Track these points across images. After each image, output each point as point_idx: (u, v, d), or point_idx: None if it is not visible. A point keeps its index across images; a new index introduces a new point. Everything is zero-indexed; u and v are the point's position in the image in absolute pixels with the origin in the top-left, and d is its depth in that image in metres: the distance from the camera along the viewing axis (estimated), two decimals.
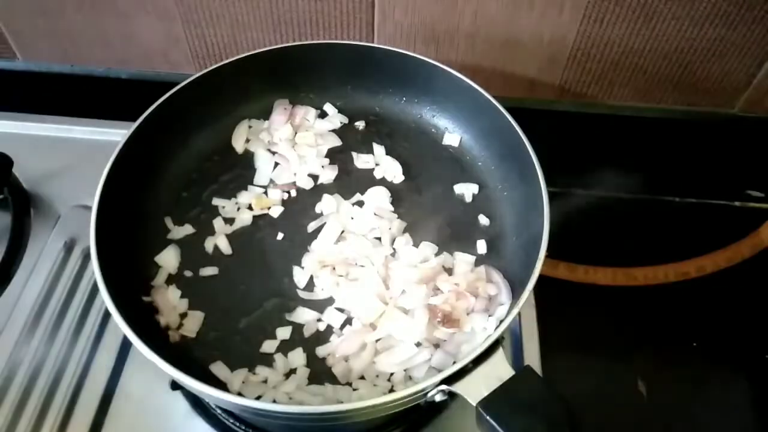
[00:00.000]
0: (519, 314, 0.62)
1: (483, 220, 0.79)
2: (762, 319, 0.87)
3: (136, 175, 0.75)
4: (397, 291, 0.71)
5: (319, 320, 0.71)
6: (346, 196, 0.81)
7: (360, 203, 0.80)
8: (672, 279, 0.89)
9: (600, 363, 0.84)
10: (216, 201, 0.80)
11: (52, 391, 0.74)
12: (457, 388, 0.57)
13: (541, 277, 0.63)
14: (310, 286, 0.74)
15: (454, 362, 0.58)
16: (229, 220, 0.78)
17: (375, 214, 0.78)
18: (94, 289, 0.81)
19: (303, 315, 0.71)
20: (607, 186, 1.00)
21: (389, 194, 0.80)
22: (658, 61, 0.91)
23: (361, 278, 0.72)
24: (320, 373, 0.67)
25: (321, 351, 0.68)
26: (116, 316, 0.59)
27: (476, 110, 0.81)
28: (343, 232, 0.76)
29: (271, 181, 0.83)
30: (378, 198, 0.80)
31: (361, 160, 0.84)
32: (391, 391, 0.65)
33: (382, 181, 0.83)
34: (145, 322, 0.68)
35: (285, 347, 0.69)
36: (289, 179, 0.82)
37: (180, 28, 0.95)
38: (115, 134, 0.95)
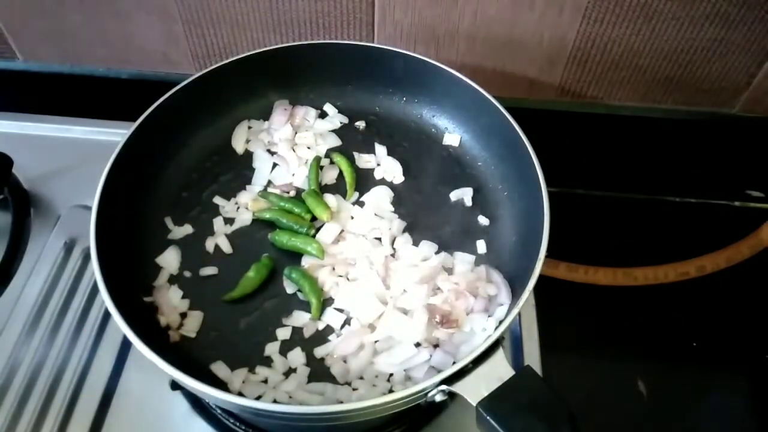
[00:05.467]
0: (519, 314, 0.62)
1: (483, 220, 0.79)
2: (762, 319, 0.87)
3: (136, 175, 0.75)
4: (397, 291, 0.71)
5: (318, 320, 0.71)
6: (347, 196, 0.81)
7: (360, 203, 0.80)
8: (672, 279, 0.89)
9: (600, 363, 0.84)
10: (216, 201, 0.80)
11: (53, 391, 0.74)
12: (457, 388, 0.58)
13: (541, 277, 0.63)
14: None
15: (454, 362, 0.58)
16: (229, 220, 0.78)
17: (375, 214, 0.78)
18: (94, 289, 0.81)
19: (300, 318, 0.71)
20: (607, 186, 1.00)
21: (391, 194, 0.81)
22: (657, 61, 0.91)
23: (361, 278, 0.72)
24: (320, 372, 0.67)
25: (319, 351, 0.68)
26: (116, 316, 0.60)
27: (476, 110, 0.81)
28: (342, 231, 0.76)
29: (270, 181, 0.83)
30: (378, 198, 0.80)
31: (362, 160, 0.84)
32: (391, 391, 0.65)
33: (382, 182, 0.83)
34: (145, 322, 0.68)
35: (285, 347, 0.69)
36: (287, 180, 0.82)
37: (180, 27, 0.95)
38: (115, 134, 0.95)
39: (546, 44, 0.90)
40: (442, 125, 0.87)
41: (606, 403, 0.80)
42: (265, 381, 0.66)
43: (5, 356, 0.75)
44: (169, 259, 0.74)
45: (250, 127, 0.87)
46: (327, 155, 0.84)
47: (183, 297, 0.71)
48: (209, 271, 0.74)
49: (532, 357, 0.77)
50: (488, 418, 0.55)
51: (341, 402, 0.63)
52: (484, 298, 0.70)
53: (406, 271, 0.72)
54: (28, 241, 0.86)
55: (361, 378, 0.66)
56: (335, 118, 0.88)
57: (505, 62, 0.94)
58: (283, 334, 0.70)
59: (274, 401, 0.64)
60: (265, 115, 0.87)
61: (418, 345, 0.67)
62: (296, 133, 0.86)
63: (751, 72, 0.91)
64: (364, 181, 0.83)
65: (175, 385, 0.73)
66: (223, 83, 0.83)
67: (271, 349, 0.68)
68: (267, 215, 0.77)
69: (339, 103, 0.89)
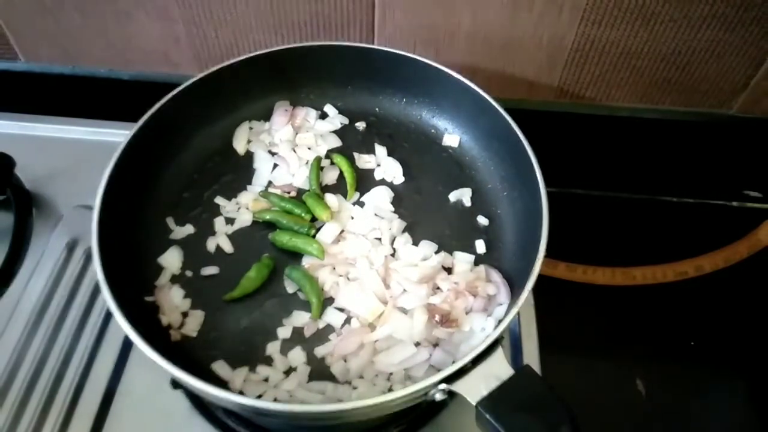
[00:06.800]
0: (518, 314, 0.62)
1: (482, 220, 0.79)
2: (760, 318, 0.88)
3: (137, 176, 0.75)
4: (397, 291, 0.71)
5: (319, 320, 0.71)
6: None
7: (360, 203, 0.81)
8: (670, 279, 0.89)
9: (599, 362, 0.85)
10: (217, 201, 0.80)
11: (54, 390, 0.74)
12: (457, 387, 0.58)
13: (540, 277, 0.63)
14: None
15: (454, 362, 0.59)
16: (230, 220, 0.79)
17: (375, 214, 0.78)
18: (96, 289, 0.81)
19: (301, 317, 0.71)
20: (606, 186, 1.00)
21: (391, 194, 0.81)
22: (655, 63, 0.91)
23: (361, 278, 0.72)
24: (321, 371, 0.68)
25: (320, 350, 0.69)
26: (118, 316, 0.60)
27: (476, 111, 0.81)
28: (342, 231, 0.77)
29: (271, 182, 0.83)
30: (378, 198, 0.80)
31: (362, 161, 0.85)
32: (391, 390, 0.65)
33: (382, 182, 0.83)
34: (147, 321, 0.69)
35: (285, 346, 0.69)
36: (288, 180, 0.83)
37: (181, 29, 0.95)
38: (117, 135, 0.95)
39: (545, 46, 0.90)
40: (441, 126, 0.87)
41: (605, 402, 0.80)
42: (266, 380, 0.67)
43: (7, 355, 0.75)
44: (171, 259, 0.74)
45: (251, 128, 0.87)
46: (327, 156, 0.85)
47: (184, 297, 0.72)
48: (210, 270, 0.74)
49: (532, 356, 0.77)
50: (488, 417, 0.55)
51: (341, 401, 0.63)
52: (484, 298, 0.70)
53: (406, 271, 0.72)
54: (30, 241, 0.87)
55: (361, 377, 0.67)
56: (336, 119, 0.88)
57: (504, 63, 0.94)
58: (283, 333, 0.70)
59: (275, 400, 0.64)
60: (266, 116, 0.87)
61: (417, 344, 0.67)
62: (297, 133, 0.86)
63: (749, 73, 0.91)
64: (365, 181, 0.83)
65: (176, 384, 0.73)
66: (224, 84, 0.83)
67: (272, 348, 0.69)
68: (267, 216, 0.77)
69: (339, 104, 0.89)
